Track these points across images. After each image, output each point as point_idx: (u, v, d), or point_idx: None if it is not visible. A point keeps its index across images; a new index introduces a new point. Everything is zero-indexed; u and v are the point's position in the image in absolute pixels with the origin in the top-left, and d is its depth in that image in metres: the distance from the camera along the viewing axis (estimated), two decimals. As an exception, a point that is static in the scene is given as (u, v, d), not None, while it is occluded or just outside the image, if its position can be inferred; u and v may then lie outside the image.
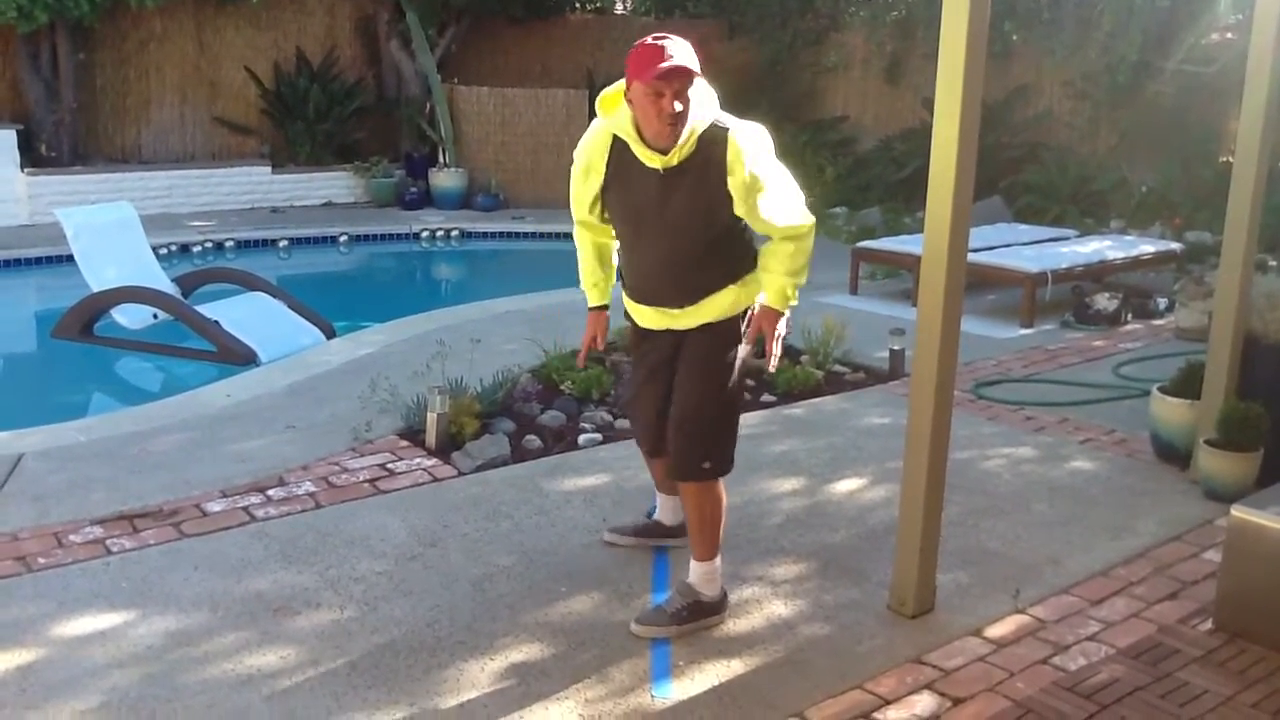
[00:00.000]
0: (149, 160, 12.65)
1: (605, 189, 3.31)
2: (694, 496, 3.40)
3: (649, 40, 3.07)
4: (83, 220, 7.44)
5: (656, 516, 3.98)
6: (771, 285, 3.33)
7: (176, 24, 12.69)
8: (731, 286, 3.33)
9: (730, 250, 3.32)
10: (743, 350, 3.38)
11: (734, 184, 3.15)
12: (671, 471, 3.47)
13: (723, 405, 3.41)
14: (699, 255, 3.28)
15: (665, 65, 2.99)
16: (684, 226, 3.24)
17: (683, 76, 3.02)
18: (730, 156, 3.13)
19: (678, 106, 3.03)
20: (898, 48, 13.22)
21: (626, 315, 3.58)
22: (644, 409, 3.58)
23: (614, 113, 3.23)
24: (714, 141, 3.14)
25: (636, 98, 3.09)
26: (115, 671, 3.10)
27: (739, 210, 3.21)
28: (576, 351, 6.02)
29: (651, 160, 3.16)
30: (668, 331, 3.42)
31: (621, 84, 3.18)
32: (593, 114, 3.35)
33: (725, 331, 3.37)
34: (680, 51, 3.03)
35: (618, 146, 3.23)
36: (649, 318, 3.44)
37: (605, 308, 3.70)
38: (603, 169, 3.27)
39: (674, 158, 3.14)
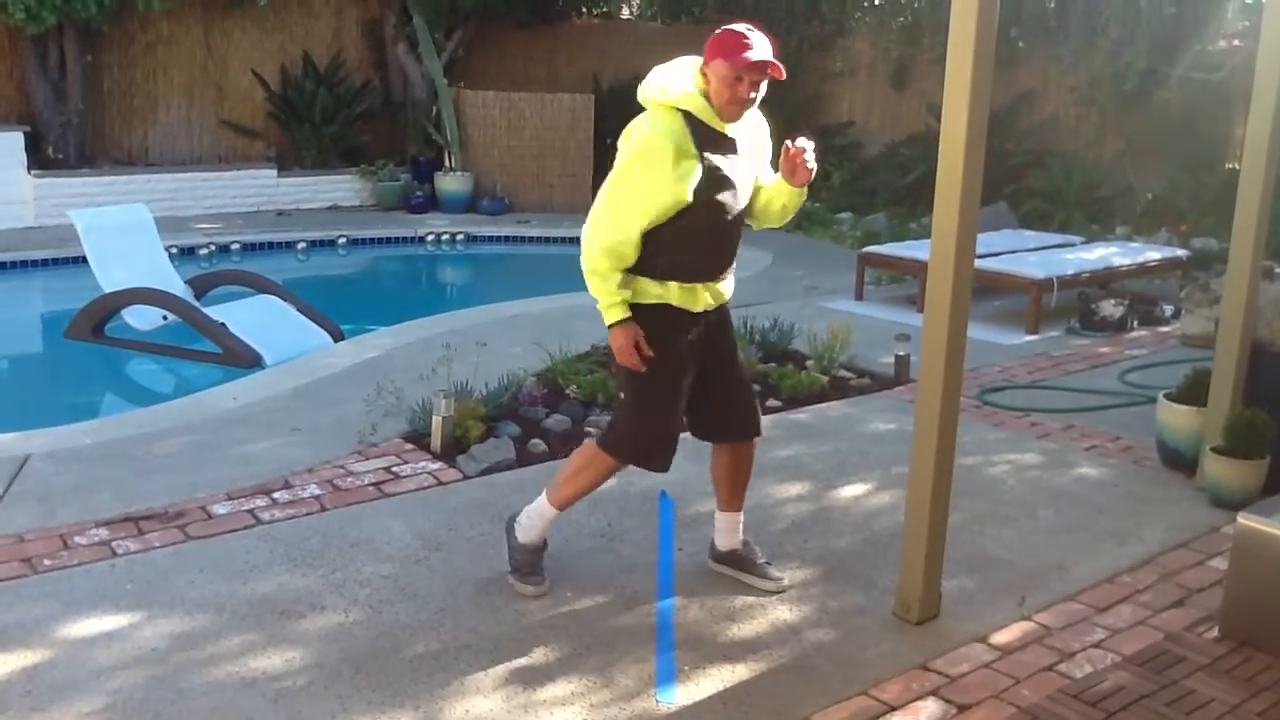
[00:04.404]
0: (155, 163, 12.66)
1: (708, 167, 3.22)
2: (751, 451, 3.69)
3: (737, 28, 3.21)
4: (93, 221, 7.46)
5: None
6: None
7: (184, 27, 12.71)
8: None
9: None
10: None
11: (766, 143, 3.49)
12: (751, 433, 3.64)
13: None
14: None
15: (755, 57, 3.15)
16: (749, 186, 3.43)
17: (768, 70, 3.19)
18: (763, 118, 3.47)
19: (754, 95, 3.22)
20: (904, 53, 13.21)
21: (648, 314, 3.33)
22: (678, 414, 3.53)
23: (672, 95, 3.23)
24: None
25: (716, 74, 3.20)
26: (120, 673, 3.11)
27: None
28: (581, 355, 6.09)
29: (724, 127, 3.27)
30: (706, 313, 3.44)
31: (667, 83, 3.27)
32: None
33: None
34: (767, 47, 3.21)
35: (692, 122, 3.22)
36: (701, 298, 3.39)
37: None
38: (693, 149, 3.20)
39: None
